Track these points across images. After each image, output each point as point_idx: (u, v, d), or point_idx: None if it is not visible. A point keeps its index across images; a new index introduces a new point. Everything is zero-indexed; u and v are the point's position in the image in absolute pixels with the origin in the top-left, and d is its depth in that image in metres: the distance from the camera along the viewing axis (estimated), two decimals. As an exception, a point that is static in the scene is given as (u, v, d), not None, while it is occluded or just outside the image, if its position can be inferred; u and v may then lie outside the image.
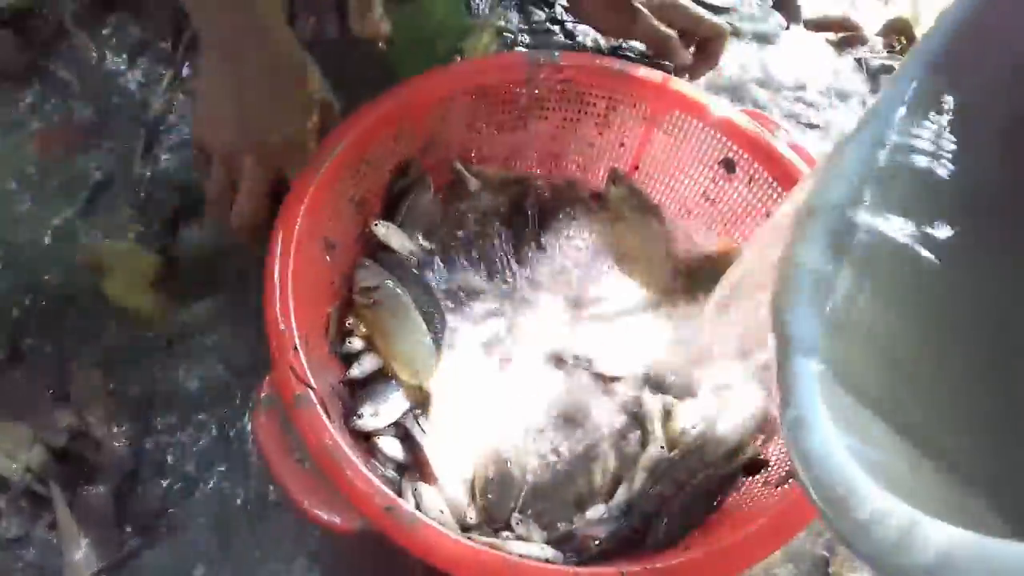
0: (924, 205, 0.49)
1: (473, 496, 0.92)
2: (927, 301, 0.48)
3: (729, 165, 1.07)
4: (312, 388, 0.78)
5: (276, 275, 0.84)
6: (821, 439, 0.39)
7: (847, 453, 0.38)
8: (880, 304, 0.47)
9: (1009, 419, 0.46)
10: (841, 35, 1.68)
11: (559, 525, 0.91)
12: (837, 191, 0.49)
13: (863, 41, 1.68)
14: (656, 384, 1.00)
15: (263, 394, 0.82)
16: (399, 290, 0.99)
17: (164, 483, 0.98)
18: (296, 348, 0.80)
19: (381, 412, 0.92)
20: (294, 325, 0.81)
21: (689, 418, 0.96)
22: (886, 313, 0.47)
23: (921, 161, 0.49)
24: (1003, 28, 0.51)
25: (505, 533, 0.89)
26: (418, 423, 0.93)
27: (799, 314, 0.45)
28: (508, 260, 1.08)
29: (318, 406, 0.77)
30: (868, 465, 0.37)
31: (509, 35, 1.44)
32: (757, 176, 1.05)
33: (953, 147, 0.50)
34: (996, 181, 0.51)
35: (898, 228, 0.48)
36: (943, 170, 0.49)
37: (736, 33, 1.53)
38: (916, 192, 0.49)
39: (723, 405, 0.96)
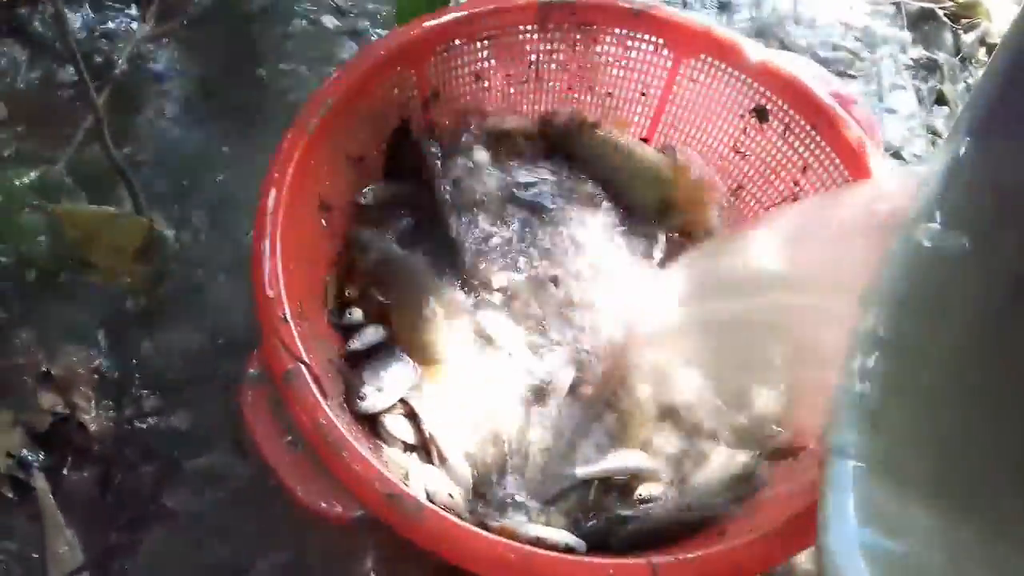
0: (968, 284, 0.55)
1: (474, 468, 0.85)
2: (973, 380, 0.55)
3: (762, 114, 0.98)
4: (304, 363, 0.70)
5: (265, 238, 0.75)
6: (837, 536, 0.47)
7: (859, 551, 0.46)
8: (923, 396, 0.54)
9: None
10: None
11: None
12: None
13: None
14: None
15: (251, 370, 0.74)
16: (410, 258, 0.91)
17: (152, 468, 0.92)
18: (286, 319, 0.71)
19: (386, 389, 0.84)
20: (283, 293, 0.73)
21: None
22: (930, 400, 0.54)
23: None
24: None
25: (519, 517, 0.81)
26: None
27: (839, 418, 0.52)
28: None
29: (311, 382, 0.69)
30: (884, 558, 0.46)
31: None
32: (793, 125, 0.95)
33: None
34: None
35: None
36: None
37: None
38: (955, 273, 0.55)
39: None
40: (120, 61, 1.23)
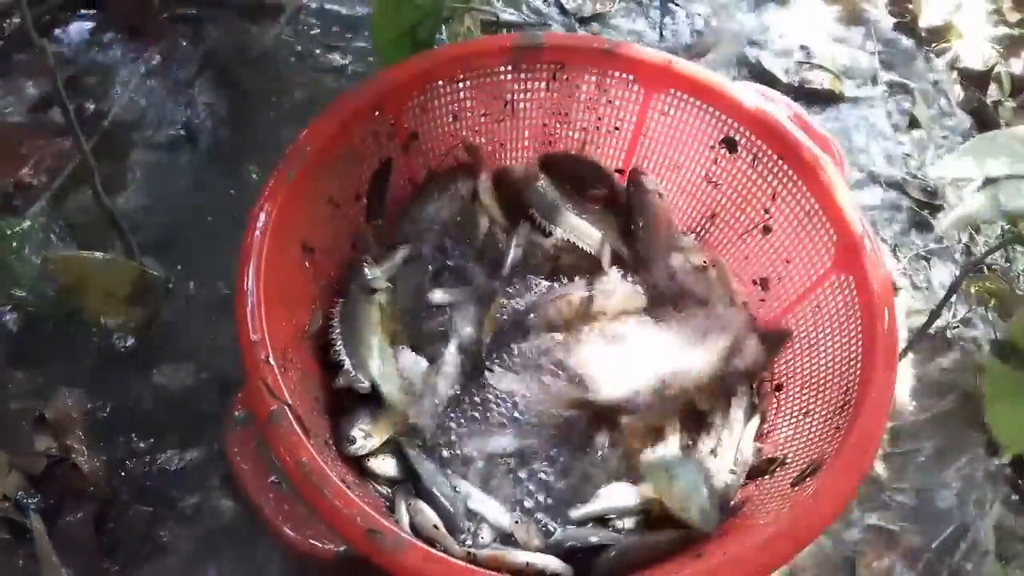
0: None
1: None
2: None
3: (731, 144, 1.01)
4: (287, 404, 0.72)
5: (247, 282, 0.78)
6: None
7: None
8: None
9: None
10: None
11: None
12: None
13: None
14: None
15: (236, 412, 0.76)
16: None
17: (144, 507, 0.94)
18: (268, 360, 0.74)
19: (374, 433, 0.86)
20: (266, 336, 0.75)
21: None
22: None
23: None
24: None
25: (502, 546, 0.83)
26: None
27: None
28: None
29: (294, 423, 0.71)
30: None
31: (493, 18, 1.39)
32: (761, 155, 0.98)
33: None
34: None
35: None
36: None
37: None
38: None
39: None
40: (111, 109, 1.26)
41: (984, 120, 1.52)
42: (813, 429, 0.88)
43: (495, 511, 0.85)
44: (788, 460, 0.88)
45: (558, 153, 1.09)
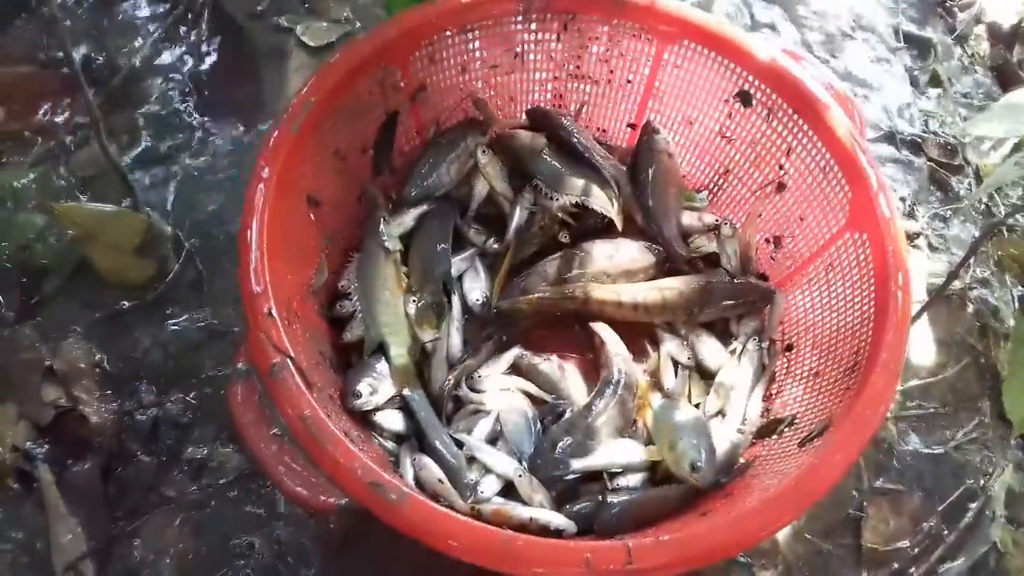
0: None
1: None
2: None
3: (746, 98, 0.98)
4: (290, 356, 0.71)
5: (250, 235, 0.77)
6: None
7: None
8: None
9: None
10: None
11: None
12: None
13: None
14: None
15: (239, 364, 0.76)
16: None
17: (151, 457, 0.94)
18: (271, 313, 0.73)
19: (380, 389, 0.86)
20: (269, 288, 0.74)
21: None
22: None
23: None
24: None
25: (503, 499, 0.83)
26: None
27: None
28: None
29: (296, 375, 0.71)
30: None
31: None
32: (776, 109, 0.96)
33: None
34: None
35: None
36: None
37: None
38: None
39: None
40: (123, 64, 1.25)
41: (1007, 77, 1.48)
42: (823, 390, 0.87)
43: (500, 463, 0.85)
44: (797, 420, 0.87)
45: (548, 110, 1.06)
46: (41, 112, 1.20)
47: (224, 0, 1.36)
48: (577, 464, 0.85)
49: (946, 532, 1.01)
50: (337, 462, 0.67)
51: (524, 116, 1.07)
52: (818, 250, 0.94)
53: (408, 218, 0.99)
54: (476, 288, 0.98)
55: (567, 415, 0.89)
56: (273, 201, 0.80)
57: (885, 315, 0.80)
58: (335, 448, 0.68)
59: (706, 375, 0.96)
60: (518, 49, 1.02)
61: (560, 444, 0.85)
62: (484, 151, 1.02)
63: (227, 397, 0.75)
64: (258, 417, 0.74)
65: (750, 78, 0.96)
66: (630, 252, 1.00)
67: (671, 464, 0.83)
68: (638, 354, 0.96)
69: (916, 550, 1.00)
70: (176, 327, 1.03)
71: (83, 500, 0.92)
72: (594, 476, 0.87)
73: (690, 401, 0.94)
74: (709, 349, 0.97)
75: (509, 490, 0.85)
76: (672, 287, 0.96)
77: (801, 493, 0.71)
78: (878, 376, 0.76)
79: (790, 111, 0.94)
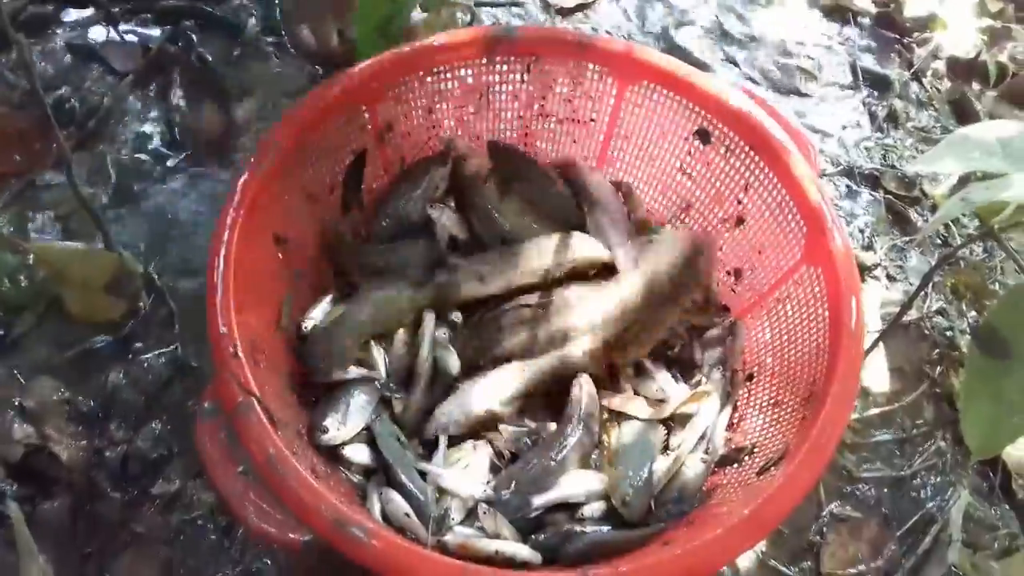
0: None
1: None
2: None
3: (704, 136, 1.02)
4: (255, 396, 0.73)
5: (217, 275, 0.78)
6: None
7: None
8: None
9: None
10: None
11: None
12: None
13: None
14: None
15: (206, 403, 0.77)
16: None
17: (120, 495, 0.95)
18: (237, 353, 0.74)
19: (348, 423, 0.87)
20: (235, 328, 0.76)
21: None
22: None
23: None
24: None
25: (471, 531, 0.84)
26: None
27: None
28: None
29: (262, 414, 0.72)
30: None
31: (469, 10, 1.39)
32: (733, 146, 0.99)
33: None
34: None
35: None
36: None
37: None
38: None
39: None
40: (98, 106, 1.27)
41: (964, 111, 1.53)
42: (781, 419, 0.89)
43: (464, 487, 0.86)
44: (756, 449, 0.89)
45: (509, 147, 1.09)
46: (14, 152, 1.21)
47: (199, 44, 1.38)
48: (538, 500, 0.86)
49: (904, 557, 1.03)
50: (302, 500, 0.68)
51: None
52: (776, 282, 0.97)
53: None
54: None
55: (527, 452, 0.91)
56: (240, 242, 0.81)
57: (838, 346, 0.82)
58: (299, 485, 0.69)
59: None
60: (483, 89, 1.04)
61: (521, 481, 0.87)
62: (432, 206, 1.04)
63: (194, 435, 0.76)
64: (224, 455, 0.75)
65: (708, 116, 1.00)
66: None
67: (609, 491, 0.86)
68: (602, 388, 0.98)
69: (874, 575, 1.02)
70: (146, 364, 1.04)
71: (53, 537, 0.92)
72: (559, 506, 0.88)
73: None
74: (666, 381, 0.99)
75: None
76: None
77: (759, 521, 0.72)
78: (832, 405, 0.78)
79: (747, 148, 0.97)
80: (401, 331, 0.97)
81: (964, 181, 0.98)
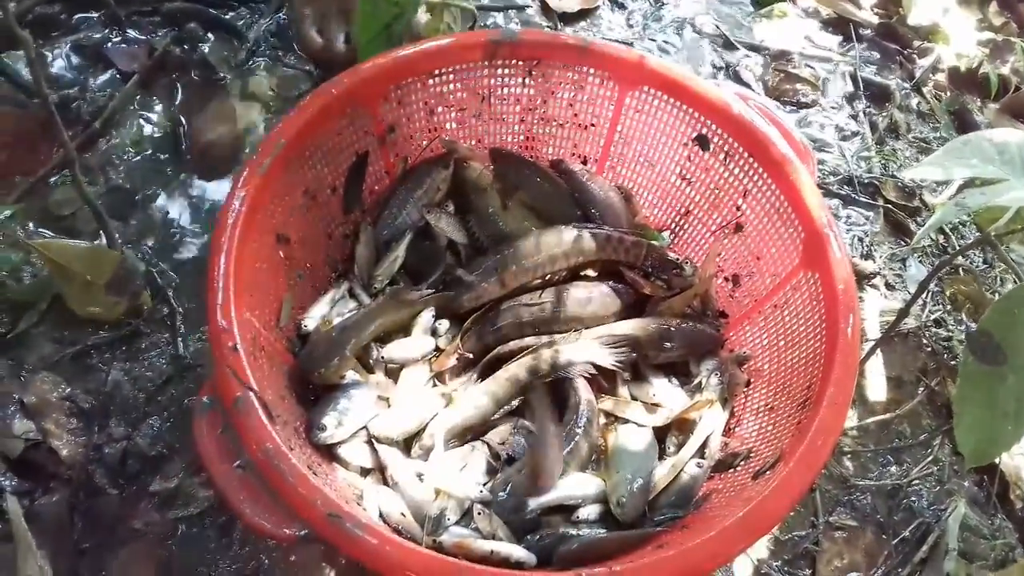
0: None
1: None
2: None
3: (703, 141, 1.02)
4: (253, 390, 0.73)
5: (217, 272, 0.79)
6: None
7: None
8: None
9: None
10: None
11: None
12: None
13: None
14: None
15: (204, 398, 0.77)
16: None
17: (119, 491, 0.95)
18: (236, 348, 0.75)
19: (346, 422, 0.87)
20: (235, 323, 0.77)
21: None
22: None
23: None
24: None
25: (467, 531, 0.84)
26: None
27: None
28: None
29: (259, 409, 0.72)
30: None
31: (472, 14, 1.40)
32: (732, 152, 1.00)
33: None
34: None
35: None
36: None
37: None
38: None
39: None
40: (104, 107, 1.28)
41: (965, 123, 1.53)
42: (776, 424, 0.89)
43: (460, 489, 0.86)
44: (752, 454, 0.89)
45: (512, 153, 1.10)
46: (20, 151, 1.22)
47: (204, 48, 1.39)
48: (535, 502, 0.86)
49: (900, 567, 1.03)
50: (297, 493, 0.69)
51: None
52: (774, 288, 0.98)
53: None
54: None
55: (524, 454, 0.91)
56: (241, 239, 0.82)
57: (834, 351, 0.82)
58: (296, 480, 0.69)
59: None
60: (485, 92, 1.05)
61: (517, 483, 0.87)
62: (429, 211, 1.05)
63: (193, 429, 0.76)
64: (221, 449, 0.75)
65: (707, 122, 1.00)
66: (601, 297, 1.02)
67: (609, 492, 0.86)
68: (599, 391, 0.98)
69: (870, 585, 1.02)
70: (147, 362, 1.04)
71: (51, 532, 0.92)
72: (555, 508, 0.88)
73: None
74: (661, 385, 0.99)
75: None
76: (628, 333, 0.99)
77: (753, 524, 0.73)
78: (827, 411, 0.78)
79: (745, 154, 0.98)
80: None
81: (960, 190, 0.98)
